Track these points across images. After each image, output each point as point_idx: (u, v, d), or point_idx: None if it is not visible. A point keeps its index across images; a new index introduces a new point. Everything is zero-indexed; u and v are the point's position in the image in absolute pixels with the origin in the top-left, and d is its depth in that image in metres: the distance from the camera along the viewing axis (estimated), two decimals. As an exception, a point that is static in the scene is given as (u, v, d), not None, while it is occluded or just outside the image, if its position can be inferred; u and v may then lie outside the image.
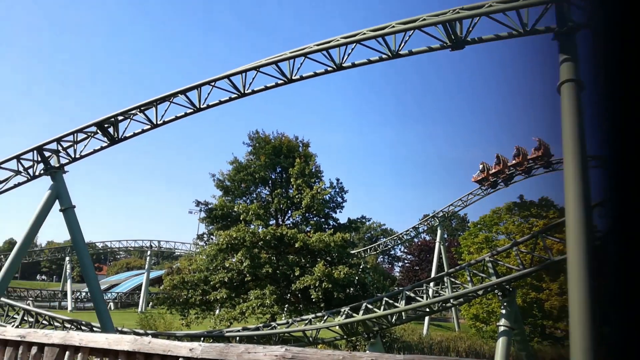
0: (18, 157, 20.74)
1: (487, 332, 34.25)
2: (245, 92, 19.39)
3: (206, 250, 29.36)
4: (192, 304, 27.27)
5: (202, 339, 22.76)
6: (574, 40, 13.28)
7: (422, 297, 20.86)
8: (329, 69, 18.12)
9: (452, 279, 20.86)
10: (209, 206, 30.27)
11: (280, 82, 19.09)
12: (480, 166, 41.92)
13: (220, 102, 20.34)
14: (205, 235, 31.44)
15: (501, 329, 19.03)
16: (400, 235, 54.60)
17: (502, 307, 19.57)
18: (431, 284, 21.71)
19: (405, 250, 69.02)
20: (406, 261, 70.71)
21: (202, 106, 20.10)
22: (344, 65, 17.80)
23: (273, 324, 24.03)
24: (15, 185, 21.18)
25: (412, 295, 20.94)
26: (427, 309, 21.63)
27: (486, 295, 25.02)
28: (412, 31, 16.08)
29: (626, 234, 1.20)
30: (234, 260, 26.49)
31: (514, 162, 39.27)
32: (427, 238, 64.97)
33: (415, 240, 61.54)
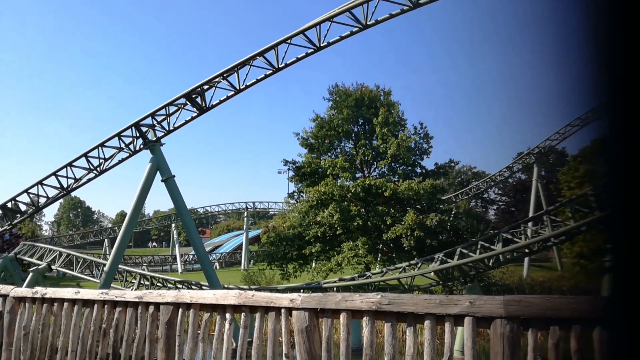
0: (119, 135, 22.35)
1: (594, 270, 32.53)
2: (321, 45, 19.28)
3: (297, 207, 30.30)
4: (290, 258, 28.51)
5: (301, 290, 23.84)
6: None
7: (520, 238, 20.19)
8: (405, 7, 17.59)
9: (553, 217, 19.91)
10: (297, 164, 30.98)
11: (355, 29, 18.74)
12: None
13: (298, 59, 20.40)
14: (295, 193, 32.38)
15: (608, 264, 18.00)
16: (493, 177, 52.62)
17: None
18: (529, 224, 20.90)
19: (500, 192, 66.55)
20: (501, 203, 68.31)
21: (280, 65, 20.30)
22: (420, 2, 17.19)
23: (368, 273, 24.55)
24: (120, 161, 22.93)
25: (509, 237, 20.33)
26: (527, 250, 20.94)
27: (591, 230, 23.67)
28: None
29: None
30: (324, 214, 27.13)
31: None
32: (523, 177, 61.88)
33: (510, 180, 58.97)
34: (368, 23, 18.35)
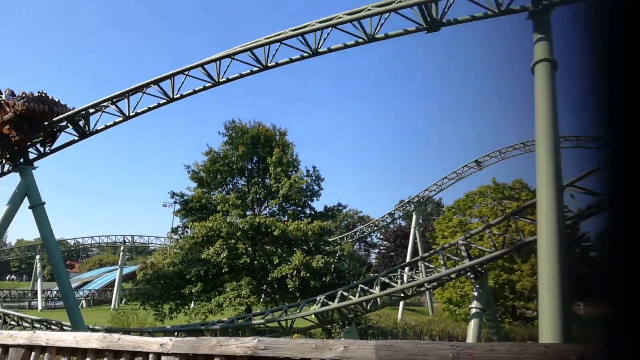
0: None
1: (460, 315, 34.90)
2: (220, 80, 19.10)
3: (181, 243, 29.04)
4: (166, 298, 26.98)
5: (176, 333, 22.51)
6: (548, 19, 13.37)
7: (396, 283, 21.05)
8: (305, 54, 17.87)
9: (426, 264, 21.11)
10: (185, 198, 29.81)
11: (255, 69, 18.86)
12: None
13: (195, 92, 19.95)
14: (179, 229, 31.06)
15: (473, 310, 19.30)
16: (377, 222, 55.04)
17: (475, 289, 19.76)
18: (406, 269, 21.92)
19: (381, 237, 69.71)
20: (382, 247, 71.43)
21: (175, 96, 19.69)
22: (319, 50, 17.57)
23: (248, 315, 23.97)
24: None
25: (387, 280, 21.10)
26: (402, 294, 21.84)
27: (459, 278, 25.42)
28: (388, 14, 15.73)
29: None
30: (210, 251, 26.22)
31: None
32: (403, 224, 65.59)
33: (391, 226, 62.15)
34: (268, 64, 18.60)
